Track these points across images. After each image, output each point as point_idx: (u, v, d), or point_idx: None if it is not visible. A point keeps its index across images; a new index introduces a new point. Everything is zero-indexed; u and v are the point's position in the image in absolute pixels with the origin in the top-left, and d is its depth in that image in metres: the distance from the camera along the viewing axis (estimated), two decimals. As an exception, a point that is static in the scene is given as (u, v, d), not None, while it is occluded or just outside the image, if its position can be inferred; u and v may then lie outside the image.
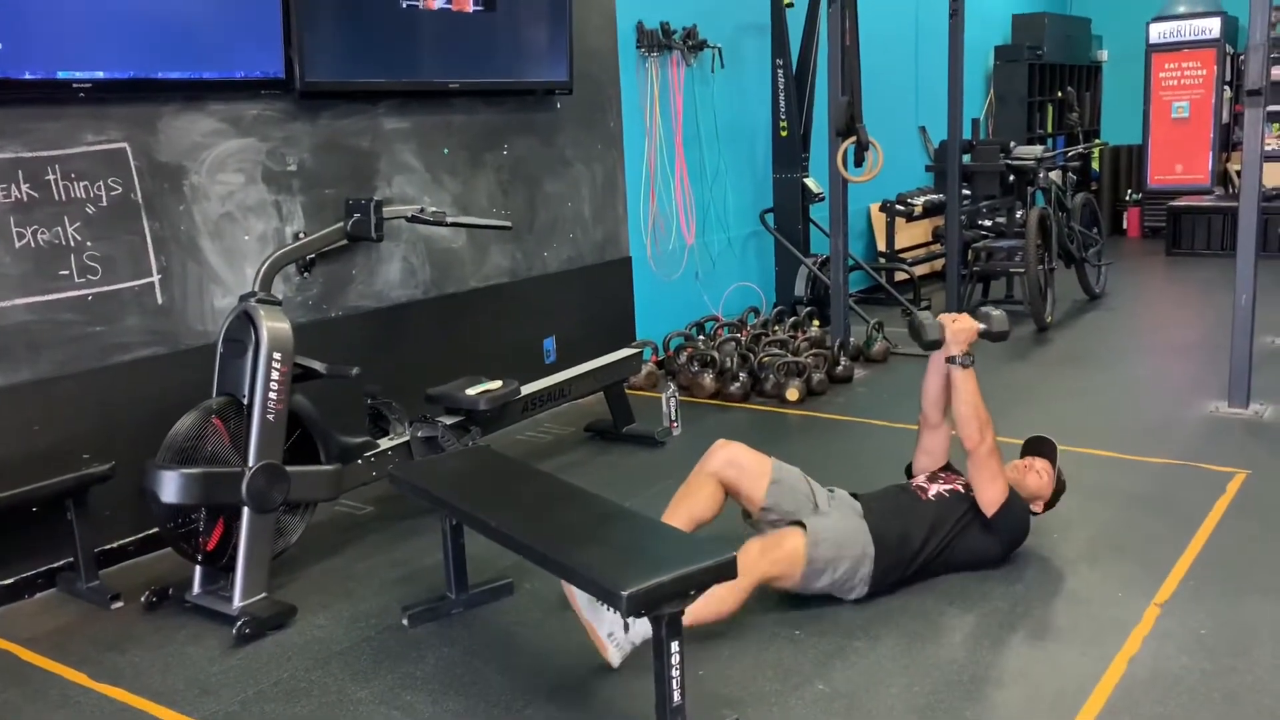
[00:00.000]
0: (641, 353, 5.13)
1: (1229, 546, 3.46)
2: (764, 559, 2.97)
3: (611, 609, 2.66)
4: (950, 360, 3.24)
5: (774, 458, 3.30)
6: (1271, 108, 8.56)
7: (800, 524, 3.08)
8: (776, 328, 6.23)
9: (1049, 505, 3.49)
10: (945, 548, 3.25)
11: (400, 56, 4.46)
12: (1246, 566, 3.31)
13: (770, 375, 5.48)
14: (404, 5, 4.38)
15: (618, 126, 5.80)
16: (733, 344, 5.85)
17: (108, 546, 3.69)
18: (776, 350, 5.71)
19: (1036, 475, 3.45)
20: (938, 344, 3.24)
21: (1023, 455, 3.56)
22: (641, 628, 2.73)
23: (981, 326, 3.27)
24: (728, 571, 2.44)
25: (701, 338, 6.13)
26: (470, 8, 4.66)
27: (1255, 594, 3.12)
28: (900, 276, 7.76)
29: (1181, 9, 9.88)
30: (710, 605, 2.85)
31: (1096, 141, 10.82)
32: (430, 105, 4.74)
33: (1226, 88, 9.64)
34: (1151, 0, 10.45)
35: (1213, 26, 9.58)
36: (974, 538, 3.28)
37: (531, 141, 5.26)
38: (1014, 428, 4.65)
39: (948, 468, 3.53)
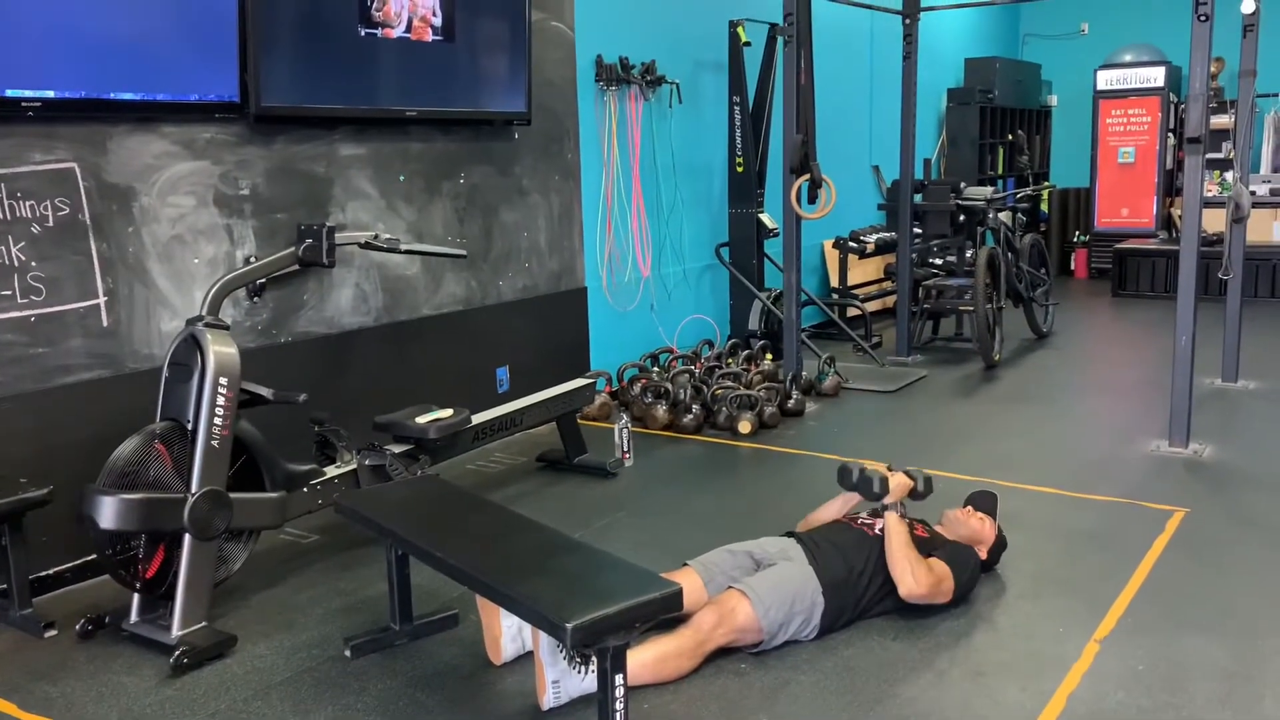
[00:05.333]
0: (595, 383, 5.13)
1: (1167, 583, 3.53)
2: (719, 630, 3.00)
3: (575, 666, 2.65)
4: (888, 508, 3.34)
5: (689, 563, 3.28)
6: (1211, 155, 8.83)
7: (744, 591, 3.08)
8: (730, 360, 6.27)
9: (991, 561, 3.56)
10: (893, 588, 3.28)
11: (358, 84, 4.46)
12: (1184, 603, 3.37)
13: (723, 408, 5.50)
14: (362, 33, 4.39)
15: (575, 158, 5.83)
16: (686, 376, 5.88)
17: (43, 573, 3.61)
18: (730, 383, 5.74)
19: (979, 520, 3.57)
20: (880, 496, 3.36)
21: (964, 506, 3.65)
22: (589, 683, 2.73)
23: (912, 485, 3.43)
24: (674, 604, 2.44)
25: (655, 369, 6.15)
26: (429, 38, 4.68)
27: (1192, 630, 3.18)
28: (852, 312, 7.86)
29: (1128, 58, 10.16)
30: (669, 667, 2.91)
31: (1045, 184, 11.07)
32: (387, 133, 4.74)
33: (1170, 135, 9.90)
34: (1099, 48, 10.75)
35: (1157, 75, 9.85)
36: None
37: (488, 171, 5.28)
38: (960, 464, 4.75)
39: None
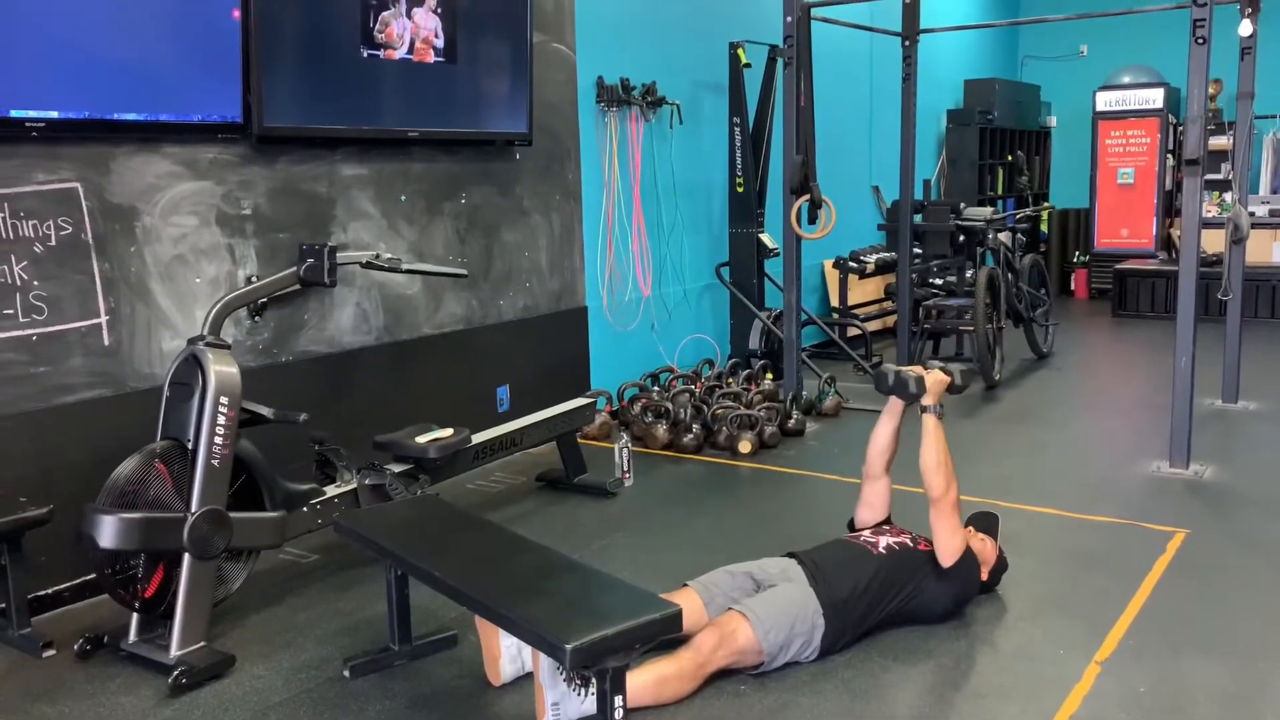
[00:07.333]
0: (595, 402, 5.13)
1: (1169, 605, 3.52)
2: (719, 652, 2.98)
3: (575, 688, 2.64)
4: (926, 409, 3.38)
5: (689, 584, 3.27)
6: (1210, 176, 8.86)
7: (744, 613, 3.07)
8: (730, 380, 6.27)
9: (992, 582, 3.56)
10: (899, 603, 3.28)
11: (360, 104, 4.48)
12: (1185, 625, 3.36)
13: (723, 427, 5.50)
14: (365, 54, 4.42)
15: (576, 178, 5.85)
16: (687, 395, 5.88)
17: (41, 592, 3.60)
18: (730, 402, 5.74)
19: (980, 540, 3.56)
20: (917, 396, 3.38)
21: (965, 526, 3.63)
22: (588, 705, 2.72)
23: (950, 380, 3.44)
24: (673, 625, 2.43)
25: (656, 389, 6.15)
26: (431, 59, 4.71)
27: (1193, 652, 3.17)
28: (852, 332, 7.87)
29: (1126, 79, 10.21)
30: (669, 689, 2.89)
31: (1045, 204, 11.10)
32: (389, 153, 4.76)
33: (1169, 156, 9.94)
34: (1098, 70, 10.80)
35: (1156, 97, 9.91)
36: (928, 589, 3.31)
37: (490, 191, 5.30)
38: (962, 484, 4.70)
39: (889, 521, 3.59)
